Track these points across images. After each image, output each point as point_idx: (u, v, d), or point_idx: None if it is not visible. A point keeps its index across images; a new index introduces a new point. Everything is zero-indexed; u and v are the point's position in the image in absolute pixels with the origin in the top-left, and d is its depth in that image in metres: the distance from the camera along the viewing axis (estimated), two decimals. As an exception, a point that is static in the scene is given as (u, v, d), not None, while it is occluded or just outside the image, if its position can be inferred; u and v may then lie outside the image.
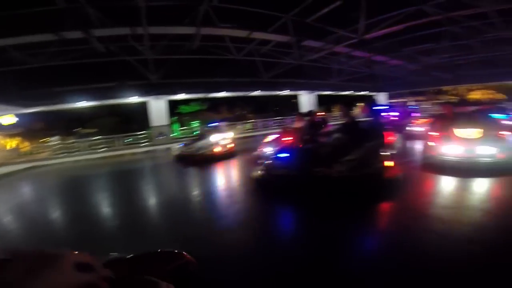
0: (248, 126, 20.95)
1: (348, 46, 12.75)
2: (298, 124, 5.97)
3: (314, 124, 5.35)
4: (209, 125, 9.64)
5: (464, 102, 14.11)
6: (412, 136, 9.06)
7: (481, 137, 4.66)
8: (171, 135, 15.86)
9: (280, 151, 4.84)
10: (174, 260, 0.80)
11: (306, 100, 20.91)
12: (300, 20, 10.31)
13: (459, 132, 4.87)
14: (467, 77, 18.47)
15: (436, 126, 5.59)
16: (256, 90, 18.63)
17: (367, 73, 19.05)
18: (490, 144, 4.53)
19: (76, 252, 0.42)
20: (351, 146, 4.09)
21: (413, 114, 12.13)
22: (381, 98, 25.91)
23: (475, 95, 23.59)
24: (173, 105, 18.50)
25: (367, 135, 4.11)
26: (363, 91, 24.14)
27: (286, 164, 4.43)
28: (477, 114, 5.58)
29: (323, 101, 23.98)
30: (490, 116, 5.53)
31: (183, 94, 16.31)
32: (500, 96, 22.41)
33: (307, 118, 5.58)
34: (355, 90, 23.49)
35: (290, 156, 4.54)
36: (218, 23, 9.64)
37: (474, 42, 12.40)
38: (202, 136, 8.98)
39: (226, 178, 6.56)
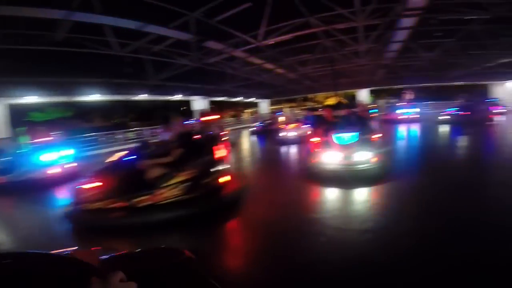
0: (130, 135, 17.50)
1: (246, 51, 12.89)
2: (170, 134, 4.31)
3: (184, 135, 3.97)
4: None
5: (341, 105, 17.29)
6: (286, 142, 9.94)
7: (357, 142, 4.64)
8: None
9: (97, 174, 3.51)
10: (174, 257, 0.77)
11: (199, 106, 19.91)
12: (205, 19, 9.35)
13: (336, 137, 4.77)
14: (327, 86, 22.99)
15: (317, 132, 5.46)
16: (142, 94, 15.94)
17: (256, 81, 20.26)
18: (365, 148, 4.54)
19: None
20: (180, 163, 3.48)
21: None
22: (264, 105, 28.60)
23: (330, 101, 30.11)
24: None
25: (198, 150, 3.69)
26: (250, 98, 25.67)
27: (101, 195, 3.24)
28: (352, 117, 5.52)
29: (215, 107, 23.77)
30: (362, 119, 5.63)
31: (33, 96, 11.75)
32: (344, 101, 29.60)
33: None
34: (244, 97, 24.64)
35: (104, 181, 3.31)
36: (99, 10, 7.25)
37: (337, 55, 15.34)
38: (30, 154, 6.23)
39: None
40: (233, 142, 10.74)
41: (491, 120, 11.95)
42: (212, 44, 11.57)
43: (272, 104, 28.11)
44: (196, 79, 17.13)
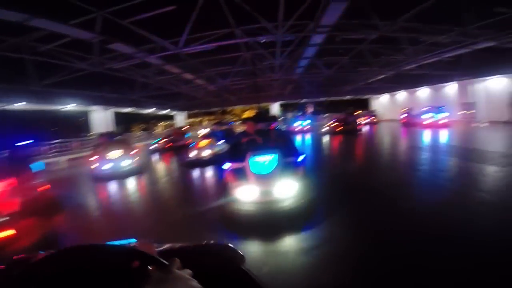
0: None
1: (162, 58, 11.71)
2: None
3: None
4: None
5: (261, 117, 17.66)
6: (197, 164, 7.88)
7: (277, 169, 3.50)
8: None
9: None
10: (222, 254, 0.77)
11: (101, 118, 16.89)
12: (115, 19, 7.89)
13: (252, 163, 3.54)
14: (245, 99, 23.69)
15: (232, 153, 4.14)
16: (19, 102, 12.24)
17: (173, 91, 18.83)
18: (288, 176, 3.45)
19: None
20: None
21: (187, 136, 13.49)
22: (181, 118, 26.97)
23: (247, 114, 31.20)
24: None
25: None
26: (165, 109, 23.68)
27: None
28: (271, 133, 4.49)
29: (122, 120, 20.74)
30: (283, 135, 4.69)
31: None
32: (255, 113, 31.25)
33: None
34: (157, 108, 22.51)
35: None
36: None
37: (256, 68, 15.92)
38: None
39: None
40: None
41: (359, 130, 15.04)
42: (120, 47, 9.92)
43: (190, 116, 26.86)
44: (96, 86, 14.45)
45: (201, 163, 7.94)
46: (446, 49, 11.96)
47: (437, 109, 15.04)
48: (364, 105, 27.82)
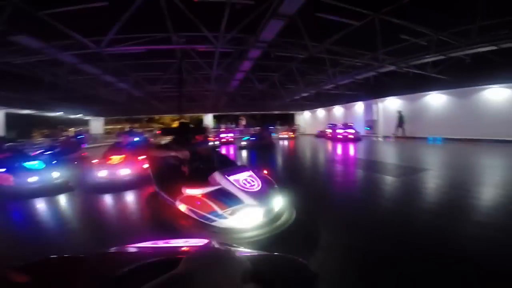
0: None
1: (79, 56, 10.11)
2: None
3: None
4: None
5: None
6: (111, 187, 5.49)
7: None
8: None
9: None
10: (292, 269, 0.68)
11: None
12: (27, 8, 6.43)
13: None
14: (175, 108, 22.49)
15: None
16: None
17: (87, 94, 16.33)
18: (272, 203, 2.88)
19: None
20: None
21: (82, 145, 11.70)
22: (97, 124, 23.59)
23: (175, 124, 29.67)
24: None
25: None
26: (76, 114, 20.27)
27: None
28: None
29: (19, 123, 16.75)
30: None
31: None
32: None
33: None
34: (65, 112, 19.08)
35: None
36: None
37: (190, 77, 15.42)
38: None
39: None
40: None
41: (273, 144, 14.67)
42: (27, 41, 8.15)
43: (108, 123, 23.79)
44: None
45: (116, 186, 5.53)
46: (359, 72, 14.25)
47: (347, 125, 17.35)
48: (290, 120, 30.32)
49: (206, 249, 0.45)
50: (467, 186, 4.75)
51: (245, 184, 2.87)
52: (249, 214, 2.55)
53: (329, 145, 14.58)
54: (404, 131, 16.24)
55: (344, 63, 13.16)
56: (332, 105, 24.39)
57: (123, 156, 6.26)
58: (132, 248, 0.55)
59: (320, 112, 27.36)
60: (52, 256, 0.68)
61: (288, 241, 2.50)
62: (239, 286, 0.40)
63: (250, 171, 3.15)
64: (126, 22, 7.91)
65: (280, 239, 2.48)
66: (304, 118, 30.08)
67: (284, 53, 11.33)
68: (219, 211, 2.53)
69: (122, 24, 7.97)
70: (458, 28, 9.08)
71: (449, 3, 7.88)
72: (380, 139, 17.17)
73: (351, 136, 16.18)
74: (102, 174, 5.78)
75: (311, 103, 25.32)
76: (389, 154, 10.36)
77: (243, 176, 2.98)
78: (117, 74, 13.58)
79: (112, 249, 0.60)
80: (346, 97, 20.76)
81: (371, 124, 20.05)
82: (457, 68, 12.29)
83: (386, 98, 18.41)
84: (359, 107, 21.56)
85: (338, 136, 16.88)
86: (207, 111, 25.85)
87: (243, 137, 16.90)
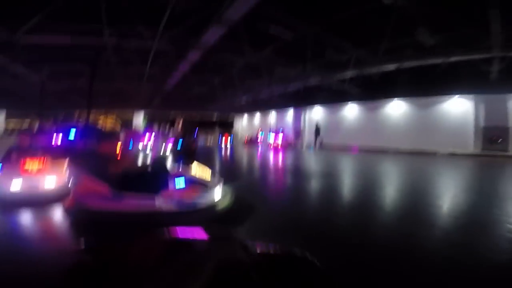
0: None
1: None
2: None
3: None
4: None
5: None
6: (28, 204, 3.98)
7: None
8: None
9: None
10: (303, 266, 0.70)
11: None
12: None
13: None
14: (103, 105, 20.32)
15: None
16: None
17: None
18: None
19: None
20: None
21: None
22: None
23: (108, 121, 26.65)
24: None
25: None
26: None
27: None
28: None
29: None
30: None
31: None
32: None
33: None
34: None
35: None
36: None
37: (119, 73, 14.30)
38: None
39: None
40: None
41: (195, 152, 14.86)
42: None
43: (12, 116, 20.11)
44: None
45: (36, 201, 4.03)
46: (290, 81, 15.64)
47: (276, 131, 18.13)
48: (229, 124, 30.72)
49: (216, 235, 0.49)
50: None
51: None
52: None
53: (260, 152, 15.12)
54: (316, 142, 18.15)
55: (278, 72, 14.33)
56: (267, 111, 25.79)
57: (43, 159, 4.53)
58: (157, 235, 0.60)
59: (257, 118, 28.46)
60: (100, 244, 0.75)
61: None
62: (247, 266, 0.46)
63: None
64: (54, 10, 7.07)
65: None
66: (242, 123, 30.87)
67: (224, 58, 11.73)
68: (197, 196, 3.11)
69: (48, 11, 7.08)
70: (371, 47, 10.80)
71: (364, 24, 9.08)
72: (315, 147, 18.25)
73: (281, 143, 17.16)
74: (15, 186, 4.15)
75: (249, 108, 26.28)
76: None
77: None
78: (30, 65, 11.67)
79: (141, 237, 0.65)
80: (278, 104, 22.27)
81: (298, 132, 21.62)
82: (367, 82, 14.72)
83: (313, 106, 20.55)
84: (290, 114, 23.28)
85: (269, 142, 17.72)
86: (138, 107, 24.19)
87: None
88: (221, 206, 3.31)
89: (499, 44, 8.41)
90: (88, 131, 3.89)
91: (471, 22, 7.98)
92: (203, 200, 3.14)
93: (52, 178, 4.38)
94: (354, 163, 10.88)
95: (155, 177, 3.17)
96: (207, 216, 3.06)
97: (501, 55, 9.24)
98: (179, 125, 19.56)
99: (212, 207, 3.19)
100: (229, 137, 22.08)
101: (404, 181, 6.96)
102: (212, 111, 27.43)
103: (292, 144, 19.57)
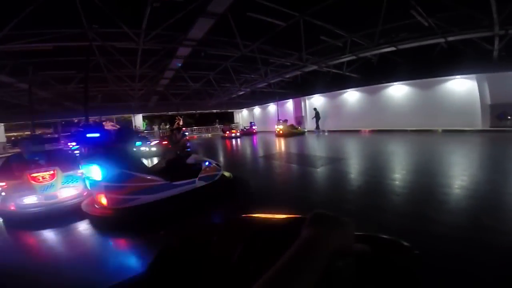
0: None
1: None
2: None
3: None
4: None
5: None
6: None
7: None
8: None
9: None
10: (401, 254, 0.64)
11: None
12: None
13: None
14: (98, 109, 20.03)
15: None
16: None
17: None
18: None
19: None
20: None
21: None
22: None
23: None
24: None
25: None
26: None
27: None
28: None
29: None
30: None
31: None
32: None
33: None
34: None
35: None
36: None
37: (111, 76, 13.91)
38: None
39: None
40: None
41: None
42: None
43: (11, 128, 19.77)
44: None
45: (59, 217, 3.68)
46: (287, 71, 15.17)
47: (279, 121, 17.53)
48: (229, 118, 30.28)
49: (319, 215, 0.49)
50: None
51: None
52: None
53: (262, 141, 15.03)
54: (319, 126, 18.04)
55: (274, 62, 13.84)
56: (266, 103, 25.41)
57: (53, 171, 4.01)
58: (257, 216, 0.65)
59: (257, 110, 28.17)
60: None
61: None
62: (352, 244, 0.47)
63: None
64: (31, 16, 6.69)
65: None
66: (243, 116, 30.50)
67: (217, 52, 11.25)
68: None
69: (23, 18, 6.70)
70: (366, 31, 10.43)
71: (359, 7, 8.75)
72: (321, 133, 18.03)
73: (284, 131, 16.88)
74: (29, 200, 3.73)
75: (248, 101, 25.85)
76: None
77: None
78: (16, 73, 11.31)
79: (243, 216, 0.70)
80: (278, 95, 21.88)
81: (300, 120, 21.62)
82: (366, 67, 14.28)
83: (312, 96, 20.17)
84: (290, 104, 23.02)
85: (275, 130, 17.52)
86: (136, 111, 23.80)
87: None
88: (228, 176, 4.83)
89: (499, 22, 7.91)
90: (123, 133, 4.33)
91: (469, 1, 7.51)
92: (219, 173, 4.55)
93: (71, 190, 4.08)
94: (362, 142, 11.16)
95: (191, 166, 4.26)
96: (222, 181, 4.49)
97: (501, 33, 8.72)
98: (180, 123, 18.89)
99: (223, 176, 4.68)
100: (229, 129, 21.37)
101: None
102: (211, 108, 27.00)
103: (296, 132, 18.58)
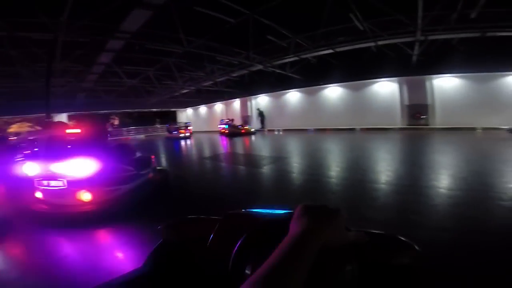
0: None
1: None
2: None
3: None
4: None
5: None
6: None
7: None
8: None
9: None
10: (401, 251, 0.62)
11: None
12: None
13: None
14: (6, 108, 16.58)
15: None
16: None
17: None
18: None
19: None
20: None
21: None
22: None
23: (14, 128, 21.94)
24: None
25: None
26: None
27: None
28: None
29: None
30: None
31: None
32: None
33: None
34: None
35: None
36: None
37: (26, 71, 11.59)
38: None
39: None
40: None
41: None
42: None
43: None
44: None
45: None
46: (233, 69, 14.92)
47: (222, 121, 18.00)
48: (172, 117, 28.26)
49: (306, 207, 0.47)
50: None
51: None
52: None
53: (210, 141, 14.66)
54: (264, 126, 18.49)
55: (222, 60, 13.44)
56: (213, 102, 24.73)
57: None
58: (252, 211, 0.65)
59: (203, 109, 27.19)
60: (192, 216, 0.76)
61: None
62: (345, 233, 0.48)
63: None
64: None
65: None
66: (188, 116, 28.94)
67: (156, 47, 10.30)
68: None
69: None
70: (309, 33, 10.87)
71: (305, 9, 8.96)
72: (276, 132, 18.36)
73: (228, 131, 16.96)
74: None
75: (193, 100, 24.72)
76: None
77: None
78: None
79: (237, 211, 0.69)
80: (225, 94, 21.50)
81: (246, 120, 21.52)
82: (306, 69, 15.03)
83: (258, 95, 20.42)
84: (237, 104, 22.84)
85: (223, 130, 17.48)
86: (60, 110, 20.39)
87: None
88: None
89: (421, 28, 9.02)
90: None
91: (401, 7, 8.38)
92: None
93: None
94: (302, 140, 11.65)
95: (144, 158, 4.45)
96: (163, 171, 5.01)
97: (422, 39, 10.03)
98: (115, 122, 17.05)
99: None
100: (177, 129, 19.88)
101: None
102: (150, 106, 24.88)
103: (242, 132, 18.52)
